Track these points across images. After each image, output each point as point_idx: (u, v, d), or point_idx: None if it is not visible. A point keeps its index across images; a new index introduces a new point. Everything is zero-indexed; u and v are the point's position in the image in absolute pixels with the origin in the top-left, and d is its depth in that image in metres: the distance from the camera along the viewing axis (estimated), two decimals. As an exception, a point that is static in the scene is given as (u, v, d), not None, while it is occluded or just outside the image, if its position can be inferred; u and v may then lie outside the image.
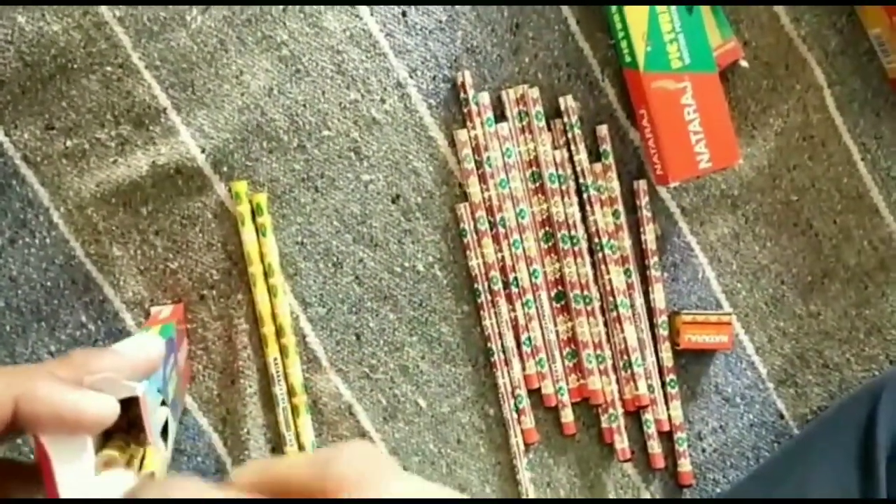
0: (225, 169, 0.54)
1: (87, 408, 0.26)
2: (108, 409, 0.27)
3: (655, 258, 0.61)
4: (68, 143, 0.52)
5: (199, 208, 0.54)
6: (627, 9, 0.56)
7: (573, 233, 0.59)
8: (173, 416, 0.40)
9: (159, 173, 0.53)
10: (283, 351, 0.55)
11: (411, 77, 0.57)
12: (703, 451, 0.63)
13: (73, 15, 0.52)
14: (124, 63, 0.53)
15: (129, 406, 0.29)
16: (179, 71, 0.53)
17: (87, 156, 0.53)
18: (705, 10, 0.58)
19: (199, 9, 0.53)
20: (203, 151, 0.54)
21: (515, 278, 0.58)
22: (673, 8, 0.56)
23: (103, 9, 0.52)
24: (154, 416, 0.34)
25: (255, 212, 0.54)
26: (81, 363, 0.28)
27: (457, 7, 0.57)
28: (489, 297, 0.59)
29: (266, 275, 0.54)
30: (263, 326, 0.55)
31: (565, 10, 0.59)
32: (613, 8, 0.57)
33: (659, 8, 0.56)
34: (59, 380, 0.27)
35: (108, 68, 0.52)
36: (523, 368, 0.59)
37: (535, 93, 0.58)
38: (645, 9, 0.56)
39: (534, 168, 0.59)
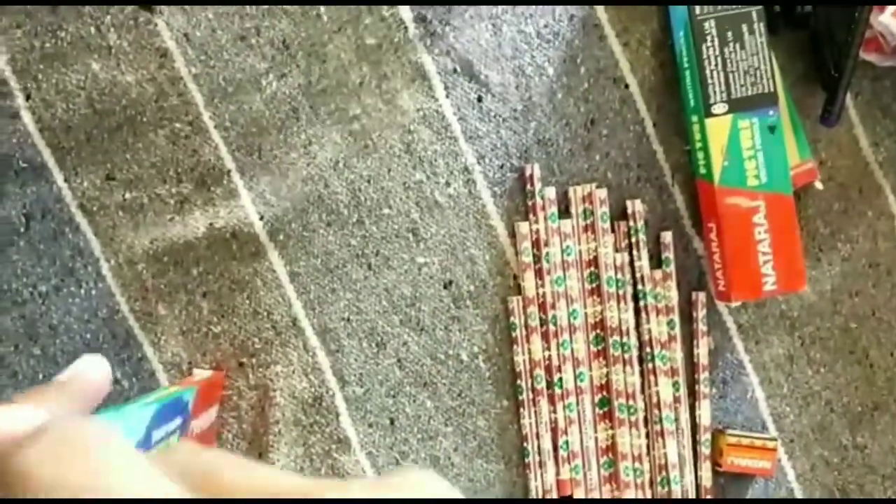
0: (281, 237, 0.53)
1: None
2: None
3: (706, 373, 0.59)
4: (127, 195, 0.51)
5: (250, 274, 0.53)
6: (709, 121, 0.54)
7: (625, 339, 0.57)
8: None
9: (215, 235, 0.52)
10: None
11: (479, 163, 0.56)
12: (731, 576, 0.61)
13: (148, 67, 0.51)
14: (194, 121, 0.52)
15: None
16: (248, 134, 0.52)
17: (145, 210, 0.52)
18: (787, 129, 0.57)
19: (275, 74, 0.52)
20: (262, 218, 0.53)
21: (560, 379, 0.57)
22: (756, 125, 0.54)
23: (180, 64, 0.51)
24: None
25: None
26: (22, 402, 0.27)
27: (533, 98, 0.55)
28: (531, 396, 0.57)
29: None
30: None
31: (643, 111, 0.57)
32: (695, 117, 0.55)
33: (741, 123, 0.54)
34: None
35: (178, 125, 0.51)
36: (557, 473, 0.57)
37: (602, 193, 0.57)
38: (727, 122, 0.54)
39: (592, 268, 0.57)
